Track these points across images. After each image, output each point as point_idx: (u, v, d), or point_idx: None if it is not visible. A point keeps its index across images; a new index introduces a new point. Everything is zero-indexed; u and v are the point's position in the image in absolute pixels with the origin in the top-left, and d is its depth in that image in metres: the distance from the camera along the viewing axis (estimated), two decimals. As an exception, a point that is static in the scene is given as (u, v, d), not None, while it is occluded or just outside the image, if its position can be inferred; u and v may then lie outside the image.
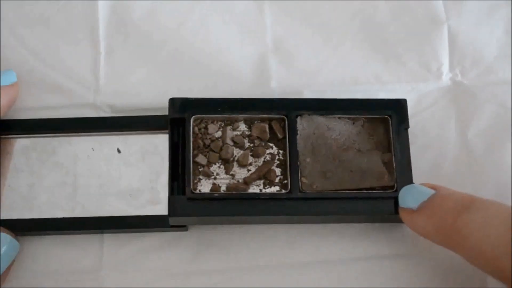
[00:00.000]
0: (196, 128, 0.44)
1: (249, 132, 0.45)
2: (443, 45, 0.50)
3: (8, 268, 0.43)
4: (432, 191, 0.41)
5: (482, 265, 0.38)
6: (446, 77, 0.50)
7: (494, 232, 0.37)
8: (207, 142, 0.44)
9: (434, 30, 0.50)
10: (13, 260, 0.43)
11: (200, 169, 0.44)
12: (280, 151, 0.44)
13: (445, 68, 0.50)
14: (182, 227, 0.45)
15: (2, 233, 0.42)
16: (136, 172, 0.46)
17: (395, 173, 0.43)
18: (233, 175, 0.44)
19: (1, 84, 0.45)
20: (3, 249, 0.42)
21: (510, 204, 0.40)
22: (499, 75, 0.50)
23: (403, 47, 0.50)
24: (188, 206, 0.42)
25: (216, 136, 0.44)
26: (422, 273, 0.45)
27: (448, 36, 0.50)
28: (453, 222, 0.39)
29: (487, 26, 0.51)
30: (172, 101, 0.44)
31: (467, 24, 0.51)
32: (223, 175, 0.44)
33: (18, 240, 0.43)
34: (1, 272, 0.42)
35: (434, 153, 0.48)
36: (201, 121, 0.44)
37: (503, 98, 0.49)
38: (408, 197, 0.42)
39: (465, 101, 0.49)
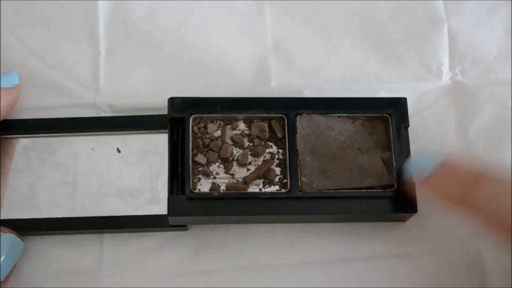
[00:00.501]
0: (195, 128, 0.44)
1: (249, 131, 0.45)
2: (443, 44, 0.50)
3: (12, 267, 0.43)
4: (446, 154, 0.40)
5: (503, 228, 0.37)
6: (446, 76, 0.49)
7: None
8: (207, 141, 0.44)
9: (434, 30, 0.50)
10: (17, 260, 0.43)
11: (200, 169, 0.44)
12: (280, 150, 0.44)
13: (445, 67, 0.50)
14: (182, 227, 0.45)
15: (6, 233, 0.42)
16: (136, 172, 0.46)
17: (395, 172, 0.43)
18: (232, 175, 0.44)
19: (3, 86, 0.45)
20: (6, 249, 0.42)
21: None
22: (499, 75, 0.50)
23: (403, 47, 0.50)
24: (188, 206, 0.42)
25: (216, 135, 0.44)
26: (422, 273, 0.45)
27: (448, 36, 0.50)
28: (472, 184, 0.38)
29: (487, 26, 0.51)
30: (172, 100, 0.44)
31: (467, 24, 0.51)
32: (222, 174, 0.44)
33: (22, 240, 0.43)
34: (7, 272, 0.42)
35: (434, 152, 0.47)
36: (201, 120, 0.44)
37: (503, 97, 0.49)
38: (422, 161, 0.40)
39: (465, 101, 0.49)
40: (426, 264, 0.45)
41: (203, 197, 0.42)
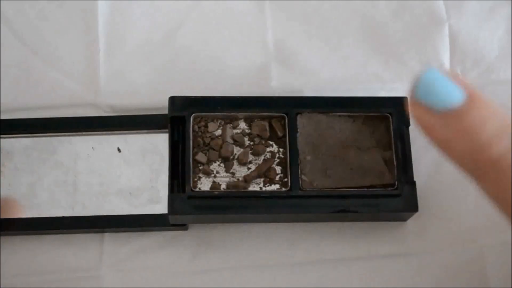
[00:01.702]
0: (196, 126, 0.44)
1: (249, 130, 0.45)
2: (444, 44, 0.50)
3: None
4: (465, 96, 0.29)
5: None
6: (447, 76, 0.49)
7: None
8: (207, 140, 0.44)
9: (435, 29, 0.50)
10: None
11: (200, 167, 0.44)
12: (280, 149, 0.44)
13: (446, 67, 0.50)
14: (182, 226, 0.45)
15: None
16: (136, 171, 0.46)
17: (395, 171, 0.43)
18: (233, 173, 0.44)
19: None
20: None
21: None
22: (500, 75, 0.50)
23: (404, 47, 0.50)
24: (188, 204, 0.42)
25: (216, 134, 0.44)
26: (423, 273, 0.45)
27: (449, 36, 0.50)
28: (488, 149, 0.29)
29: (488, 25, 0.51)
30: (172, 99, 0.44)
31: (468, 23, 0.51)
32: (223, 173, 0.44)
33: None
34: None
35: (435, 152, 0.47)
36: (201, 119, 0.44)
37: (504, 97, 0.49)
38: (432, 94, 0.30)
39: (466, 101, 0.49)
40: (427, 264, 0.45)
41: (204, 195, 0.42)
